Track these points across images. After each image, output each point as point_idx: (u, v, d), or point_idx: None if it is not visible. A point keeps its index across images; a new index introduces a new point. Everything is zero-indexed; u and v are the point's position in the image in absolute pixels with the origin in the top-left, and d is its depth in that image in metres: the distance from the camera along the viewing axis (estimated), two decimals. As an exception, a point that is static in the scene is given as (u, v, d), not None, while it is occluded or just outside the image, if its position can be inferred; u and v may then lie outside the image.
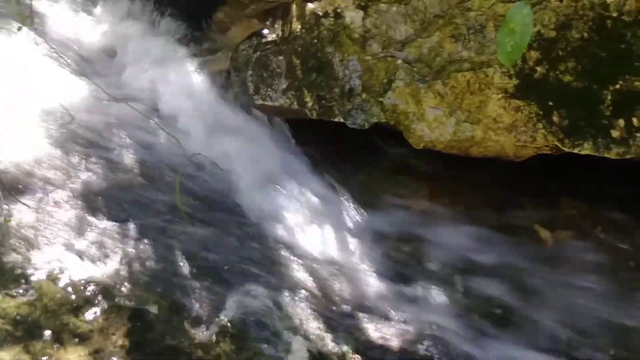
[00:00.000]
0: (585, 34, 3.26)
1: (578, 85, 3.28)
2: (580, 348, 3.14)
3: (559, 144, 3.35)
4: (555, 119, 3.33)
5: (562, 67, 3.30)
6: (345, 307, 3.22)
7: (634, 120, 3.20)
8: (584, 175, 3.78)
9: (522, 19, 1.98)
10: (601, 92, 3.24)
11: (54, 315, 2.84)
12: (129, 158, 3.70)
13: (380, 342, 3.05)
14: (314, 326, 3.06)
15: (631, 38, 3.19)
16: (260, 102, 4.02)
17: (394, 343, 3.05)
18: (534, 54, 3.33)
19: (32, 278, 2.93)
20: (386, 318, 3.18)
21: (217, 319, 2.98)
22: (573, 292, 3.39)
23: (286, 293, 3.18)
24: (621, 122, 3.23)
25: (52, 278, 2.94)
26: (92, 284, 2.98)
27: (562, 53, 3.30)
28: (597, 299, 3.34)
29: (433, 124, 3.55)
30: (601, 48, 3.24)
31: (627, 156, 3.26)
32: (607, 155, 3.28)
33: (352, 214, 3.77)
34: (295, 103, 3.88)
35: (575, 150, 3.33)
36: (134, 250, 3.20)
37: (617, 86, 3.21)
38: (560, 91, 3.30)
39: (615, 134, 3.24)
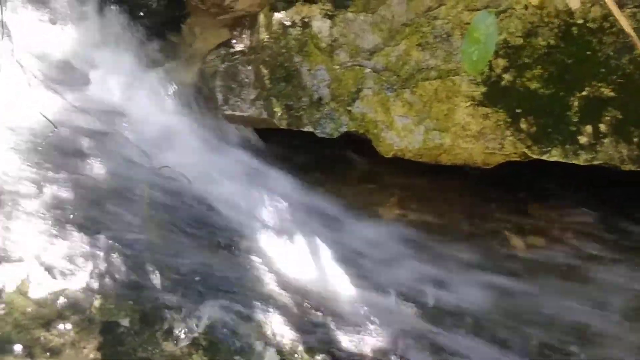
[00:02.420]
0: (552, 41, 3.27)
1: (545, 92, 3.30)
2: (551, 356, 3.16)
3: (527, 151, 3.36)
4: (523, 125, 3.34)
5: (529, 74, 3.31)
6: (318, 318, 3.21)
7: (602, 126, 3.23)
8: (552, 182, 3.80)
9: (486, 28, 1.98)
10: (568, 98, 3.26)
11: (25, 329, 2.82)
12: (98, 171, 3.67)
13: (353, 351, 3.05)
14: (287, 337, 3.06)
15: (597, 44, 3.21)
16: (229, 112, 4.01)
17: (367, 353, 3.05)
18: (501, 62, 3.35)
19: (2, 292, 2.91)
20: (359, 328, 3.18)
21: (189, 331, 2.96)
22: (545, 298, 3.40)
23: (259, 304, 3.17)
24: (589, 128, 3.25)
25: (23, 292, 2.92)
26: (63, 297, 2.96)
27: (529, 60, 3.31)
28: (570, 304, 3.36)
29: (402, 133, 3.56)
30: (567, 55, 3.26)
31: (595, 162, 3.28)
32: (575, 162, 3.30)
33: (322, 223, 3.77)
34: (264, 113, 3.87)
35: (544, 157, 3.35)
36: (104, 263, 3.18)
37: (584, 92, 3.24)
38: (527, 98, 3.32)
39: (583, 140, 3.26)
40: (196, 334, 2.96)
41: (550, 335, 3.24)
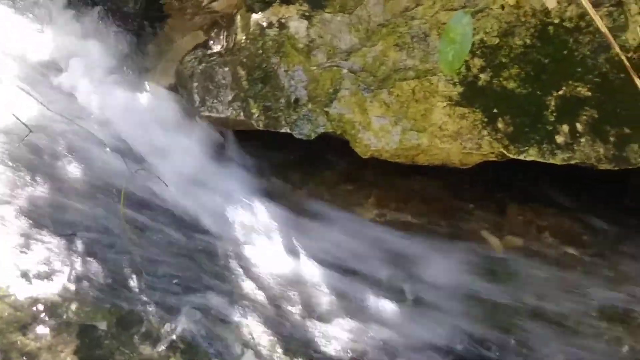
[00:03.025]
0: (528, 41, 3.28)
1: (522, 91, 3.30)
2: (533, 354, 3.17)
3: (504, 151, 3.37)
4: (500, 125, 3.34)
5: (505, 73, 3.32)
6: (297, 319, 3.21)
7: (578, 125, 3.23)
8: (530, 181, 3.81)
9: (462, 28, 1.98)
10: (545, 98, 3.27)
11: (1, 334, 2.81)
12: (73, 174, 3.66)
13: (331, 352, 3.06)
14: (265, 339, 3.06)
15: (573, 44, 3.22)
16: (206, 113, 4.00)
17: (345, 353, 3.05)
18: (478, 62, 3.35)
19: (-22, 297, 2.90)
20: (337, 329, 3.18)
21: (167, 334, 2.96)
22: (523, 297, 3.41)
23: (237, 306, 3.17)
24: (565, 127, 3.25)
25: (-1, 296, 2.92)
26: (40, 301, 2.95)
27: (506, 60, 3.32)
28: (548, 303, 3.37)
29: (379, 133, 3.56)
30: (544, 54, 3.26)
31: (572, 161, 3.29)
32: (552, 161, 3.30)
33: (300, 224, 3.76)
34: (241, 114, 3.87)
35: (521, 157, 3.35)
36: (81, 267, 3.17)
37: (561, 92, 3.24)
38: (504, 98, 3.32)
39: (559, 139, 3.27)
40: (174, 337, 2.95)
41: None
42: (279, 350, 3.02)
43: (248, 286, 3.32)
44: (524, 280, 3.49)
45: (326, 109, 3.65)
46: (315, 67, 3.69)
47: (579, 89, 3.21)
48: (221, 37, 4.15)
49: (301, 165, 4.16)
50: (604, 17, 3.13)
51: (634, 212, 3.76)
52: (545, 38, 3.25)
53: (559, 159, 3.29)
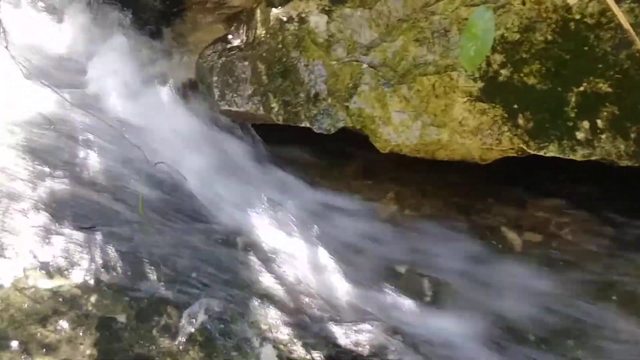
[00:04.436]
0: (549, 36, 3.27)
1: (543, 87, 3.29)
2: (550, 350, 3.16)
3: (524, 147, 3.36)
4: (520, 121, 3.34)
5: (526, 69, 3.31)
6: (315, 313, 3.21)
7: (599, 122, 3.22)
8: (549, 177, 3.80)
9: (483, 24, 1.97)
10: (566, 94, 3.26)
11: (21, 325, 2.81)
12: (93, 167, 3.67)
13: (350, 347, 3.05)
14: (283, 332, 3.05)
15: (594, 40, 3.21)
16: (226, 108, 4.00)
17: (364, 348, 3.04)
18: (498, 57, 3.34)
19: (-1, 289, 2.91)
20: (356, 323, 3.18)
21: (185, 327, 2.96)
22: (542, 294, 3.40)
23: (255, 299, 3.17)
24: (586, 124, 3.24)
25: (19, 288, 2.91)
26: (59, 293, 2.95)
27: (526, 56, 3.31)
28: (566, 301, 3.36)
29: (399, 128, 3.55)
30: (565, 50, 3.25)
31: (593, 158, 3.28)
32: (572, 157, 3.30)
33: (320, 218, 3.77)
34: (261, 108, 3.87)
35: (541, 153, 3.34)
36: (100, 259, 3.17)
37: (582, 88, 3.23)
38: (525, 93, 3.32)
39: (580, 135, 3.26)
40: (193, 330, 2.95)
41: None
42: (298, 343, 3.02)
43: (267, 280, 3.32)
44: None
45: (346, 104, 3.65)
46: (335, 62, 3.69)
47: (599, 85, 3.20)
48: (241, 31, 4.16)
49: (320, 159, 4.16)
50: (625, 13, 3.13)
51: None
52: (566, 34, 3.24)
53: (579, 155, 3.28)
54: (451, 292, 3.40)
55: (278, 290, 3.28)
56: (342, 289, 3.36)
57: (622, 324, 3.24)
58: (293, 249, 3.55)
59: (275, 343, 2.99)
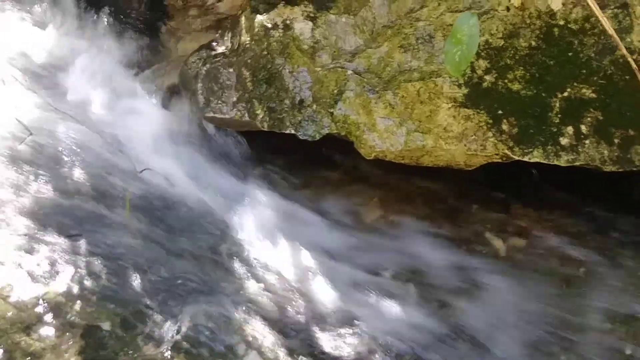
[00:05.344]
0: (533, 42, 3.28)
1: (527, 93, 3.30)
2: (535, 354, 3.17)
3: (509, 152, 3.37)
4: (504, 127, 3.35)
5: (510, 75, 3.32)
6: (300, 319, 3.21)
7: (583, 127, 3.24)
8: (533, 183, 3.81)
9: (468, 30, 1.98)
10: (550, 99, 3.27)
11: (5, 334, 2.80)
12: (78, 174, 3.66)
13: (335, 353, 3.05)
14: (268, 339, 3.05)
15: (578, 46, 3.23)
16: (211, 114, 4.00)
17: (349, 354, 3.05)
18: (483, 63, 3.35)
19: (-18, 297, 2.90)
20: (340, 329, 3.18)
21: (170, 334, 2.95)
22: (526, 299, 3.41)
23: (240, 306, 3.16)
24: (570, 129, 3.26)
25: (3, 296, 2.90)
26: (44, 301, 2.94)
27: (511, 62, 3.32)
28: (549, 306, 3.37)
29: (384, 134, 3.56)
30: (549, 56, 3.27)
31: (577, 163, 3.29)
32: (556, 163, 3.31)
33: (305, 224, 3.77)
34: (246, 115, 3.86)
35: (525, 158, 3.35)
36: (85, 267, 3.16)
37: (566, 94, 3.25)
38: (509, 99, 3.33)
39: (564, 141, 3.27)
40: (178, 338, 2.95)
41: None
42: (283, 350, 3.02)
43: (252, 286, 3.32)
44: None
45: (331, 110, 3.65)
46: (320, 69, 3.69)
47: (583, 90, 3.22)
48: (225, 38, 4.15)
49: (305, 166, 4.16)
50: (610, 18, 3.15)
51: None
52: (551, 40, 3.26)
53: (563, 160, 3.29)
54: (436, 297, 3.41)
55: (263, 297, 3.28)
56: (326, 295, 3.36)
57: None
58: (278, 255, 3.55)
59: (260, 350, 2.99)
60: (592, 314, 3.34)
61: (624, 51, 2.80)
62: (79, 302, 2.98)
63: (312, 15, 3.71)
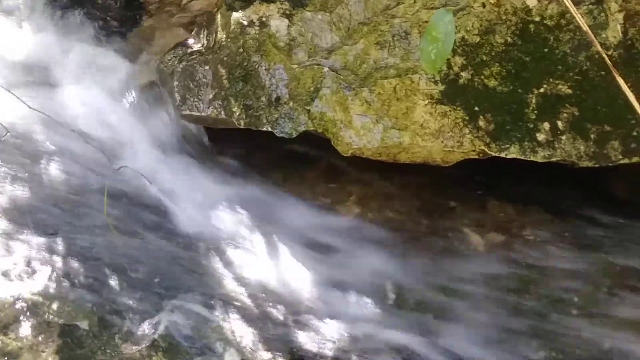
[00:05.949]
0: (509, 39, 3.29)
1: (503, 89, 3.32)
2: (514, 347, 3.18)
3: (485, 149, 3.38)
4: (481, 123, 3.35)
5: (486, 72, 3.33)
6: (279, 317, 3.21)
7: (559, 123, 3.25)
8: (510, 179, 3.82)
9: (444, 27, 1.98)
10: (526, 96, 3.29)
11: (-18, 334, 2.80)
12: (55, 173, 3.65)
13: (314, 351, 3.05)
14: (247, 337, 3.05)
15: (554, 42, 3.24)
16: (187, 112, 3.98)
17: (328, 352, 3.05)
18: (459, 60, 3.36)
19: (-42, 297, 2.89)
20: (320, 327, 3.18)
21: (148, 333, 2.96)
22: (504, 294, 3.42)
23: (219, 304, 3.16)
24: (546, 125, 3.27)
25: (-21, 296, 2.90)
26: (20, 301, 2.94)
27: (487, 58, 3.33)
28: (528, 300, 3.38)
29: (361, 131, 3.56)
30: (525, 52, 3.28)
31: (553, 159, 3.31)
32: (533, 159, 3.33)
33: (282, 222, 3.76)
34: (222, 113, 3.85)
35: (502, 154, 3.37)
36: (62, 266, 3.15)
37: (542, 90, 3.26)
38: (485, 96, 3.34)
39: (541, 137, 3.29)
40: (156, 336, 2.95)
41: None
42: (261, 347, 3.02)
43: (230, 285, 3.32)
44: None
45: (307, 108, 3.65)
46: (296, 66, 3.68)
47: (559, 86, 3.23)
48: (202, 35, 4.14)
49: (282, 164, 4.15)
50: (585, 15, 3.16)
51: (620, 203, 3.78)
52: (526, 36, 3.27)
53: (540, 156, 3.31)
54: (414, 295, 3.41)
55: (241, 294, 3.28)
56: (305, 292, 3.36)
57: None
58: (256, 253, 3.55)
59: (239, 347, 2.99)
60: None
61: (599, 47, 2.82)
62: (56, 301, 2.98)
63: (288, 12, 3.70)
